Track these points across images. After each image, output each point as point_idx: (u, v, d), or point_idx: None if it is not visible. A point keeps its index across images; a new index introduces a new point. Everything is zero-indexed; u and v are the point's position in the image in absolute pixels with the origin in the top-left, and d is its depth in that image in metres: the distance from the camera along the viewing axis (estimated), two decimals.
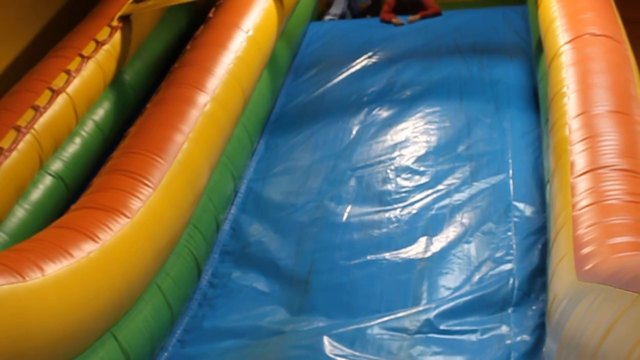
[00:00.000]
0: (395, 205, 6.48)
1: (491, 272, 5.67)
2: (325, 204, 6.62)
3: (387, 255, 6.00)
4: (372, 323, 5.37)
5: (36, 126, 6.34)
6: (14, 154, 6.07)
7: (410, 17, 9.55)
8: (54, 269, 4.30)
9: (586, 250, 4.18)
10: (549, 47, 6.81)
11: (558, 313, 3.96)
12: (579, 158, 5.17)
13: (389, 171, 6.87)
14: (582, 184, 4.91)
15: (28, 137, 6.24)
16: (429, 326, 5.28)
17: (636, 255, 3.86)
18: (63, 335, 4.27)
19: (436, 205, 6.39)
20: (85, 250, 4.63)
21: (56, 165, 6.62)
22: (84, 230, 4.80)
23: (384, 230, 6.26)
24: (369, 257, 6.00)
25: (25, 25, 8.04)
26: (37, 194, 6.34)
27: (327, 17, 10.33)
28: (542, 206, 6.04)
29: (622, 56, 6.30)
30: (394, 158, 7.03)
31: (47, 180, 6.50)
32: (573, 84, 5.98)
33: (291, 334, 5.45)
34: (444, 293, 5.58)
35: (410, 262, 5.90)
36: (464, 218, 6.21)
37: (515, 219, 6.10)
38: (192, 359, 5.44)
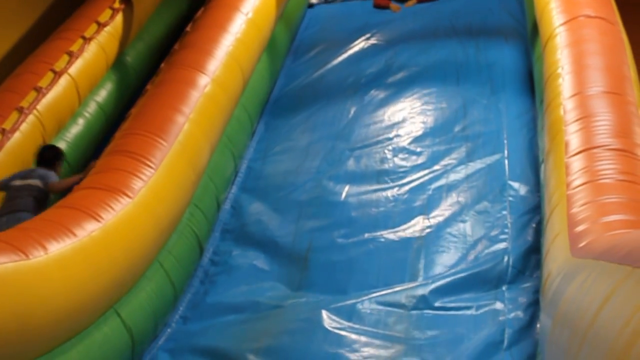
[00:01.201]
0: (392, 185, 6.52)
1: (486, 250, 5.71)
2: (324, 184, 6.66)
3: (384, 233, 6.04)
4: (369, 297, 5.43)
5: (39, 107, 6.40)
6: (17, 134, 6.13)
7: (408, 2, 9.52)
8: (57, 247, 4.35)
9: (580, 227, 4.24)
10: (544, 29, 6.83)
11: (553, 289, 4.01)
12: (574, 138, 5.23)
13: (386, 151, 6.91)
14: (577, 163, 4.97)
15: (31, 118, 6.30)
16: (424, 302, 5.35)
17: (629, 232, 3.90)
18: (66, 312, 4.33)
19: (433, 185, 6.43)
20: (88, 230, 4.68)
21: (59, 146, 6.60)
22: (87, 210, 4.85)
23: (382, 209, 6.30)
24: (366, 235, 6.05)
25: (28, 9, 8.06)
26: None
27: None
28: (537, 185, 6.09)
29: (616, 38, 6.34)
30: (391, 138, 7.07)
31: None
32: (568, 65, 6.03)
33: (290, 308, 5.52)
34: (440, 270, 5.62)
35: (407, 240, 5.94)
36: (460, 197, 6.25)
37: (510, 198, 6.14)
38: (194, 335, 5.49)
